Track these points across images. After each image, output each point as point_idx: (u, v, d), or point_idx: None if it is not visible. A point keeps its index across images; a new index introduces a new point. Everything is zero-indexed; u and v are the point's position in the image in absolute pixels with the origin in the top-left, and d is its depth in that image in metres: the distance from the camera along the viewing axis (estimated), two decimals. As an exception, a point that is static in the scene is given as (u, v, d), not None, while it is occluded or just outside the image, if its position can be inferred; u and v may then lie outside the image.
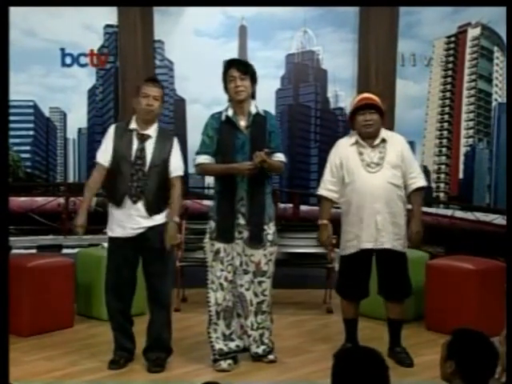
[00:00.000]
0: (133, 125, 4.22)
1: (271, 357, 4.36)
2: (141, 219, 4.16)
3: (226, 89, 4.25)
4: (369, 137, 4.30)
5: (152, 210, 4.15)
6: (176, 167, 4.21)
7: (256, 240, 4.20)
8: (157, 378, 4.16)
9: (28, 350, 4.59)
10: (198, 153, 4.28)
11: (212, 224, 4.25)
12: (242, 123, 4.23)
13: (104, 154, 4.22)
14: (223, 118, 4.25)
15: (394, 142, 4.33)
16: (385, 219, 4.24)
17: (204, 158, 4.23)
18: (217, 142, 4.22)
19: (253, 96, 4.31)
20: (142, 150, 4.16)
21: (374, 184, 4.23)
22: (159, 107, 4.22)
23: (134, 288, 4.36)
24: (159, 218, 4.18)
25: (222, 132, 4.22)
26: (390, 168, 4.25)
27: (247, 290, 4.26)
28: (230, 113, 4.24)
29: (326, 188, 4.41)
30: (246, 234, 4.21)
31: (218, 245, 4.22)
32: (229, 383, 3.96)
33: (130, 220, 4.17)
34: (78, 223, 4.24)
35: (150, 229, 4.16)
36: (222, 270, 4.23)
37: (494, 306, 4.69)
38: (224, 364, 4.24)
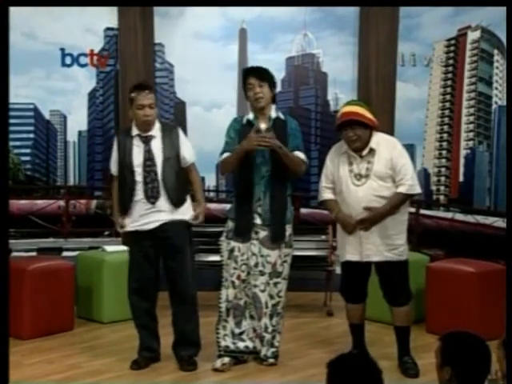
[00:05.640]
0: (134, 131, 4.31)
1: (271, 360, 4.37)
2: (161, 214, 4.24)
3: (247, 97, 4.30)
4: (358, 149, 4.21)
5: (176, 203, 4.26)
6: (189, 156, 4.35)
7: (276, 237, 4.24)
8: (157, 380, 4.16)
9: (28, 353, 4.59)
10: (220, 153, 4.33)
11: (230, 224, 4.31)
12: (263, 126, 4.25)
13: (114, 165, 4.39)
14: (244, 121, 4.30)
15: (383, 150, 4.17)
16: (370, 233, 4.16)
17: (225, 155, 4.30)
18: (238, 143, 4.26)
19: (273, 100, 4.34)
20: (149, 151, 4.25)
21: (359, 197, 4.15)
22: (155, 113, 4.31)
23: (157, 286, 4.38)
24: (179, 213, 4.27)
25: (242, 134, 4.25)
26: (378, 180, 4.14)
27: (262, 291, 4.29)
28: (251, 116, 4.30)
29: (324, 192, 4.37)
30: (262, 234, 4.25)
31: (234, 244, 4.28)
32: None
33: (149, 216, 4.24)
34: (118, 225, 4.37)
35: (170, 223, 4.24)
36: (235, 269, 4.28)
37: (494, 309, 4.69)
38: (218, 363, 4.27)
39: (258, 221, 4.25)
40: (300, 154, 4.27)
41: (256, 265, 4.27)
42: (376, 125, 4.25)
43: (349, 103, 4.39)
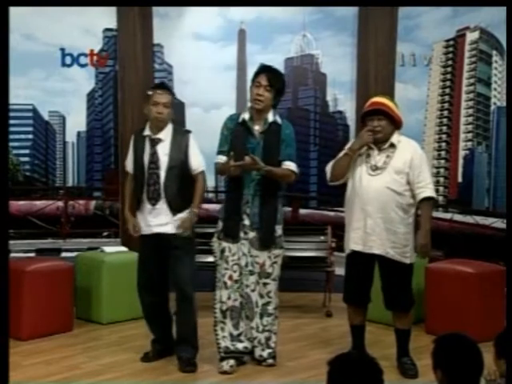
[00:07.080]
0: (146, 131, 4.37)
1: (270, 360, 4.36)
2: (161, 216, 4.28)
3: (251, 91, 4.26)
4: (378, 141, 4.24)
5: (175, 210, 4.28)
6: (196, 164, 4.34)
7: (266, 242, 4.23)
8: (158, 381, 4.16)
9: (27, 354, 4.59)
10: (217, 152, 4.34)
11: (220, 224, 4.31)
12: (257, 128, 4.25)
13: (129, 163, 4.47)
14: (240, 120, 4.28)
15: (405, 149, 4.21)
16: (376, 223, 4.16)
17: (219, 158, 4.30)
18: (229, 142, 4.25)
19: (274, 106, 4.31)
20: (153, 154, 4.30)
21: (370, 187, 4.17)
22: (169, 114, 4.32)
23: (166, 282, 4.41)
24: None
25: (235, 133, 4.25)
26: (393, 173, 4.15)
27: (253, 291, 4.29)
28: (247, 116, 4.27)
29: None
30: (251, 234, 4.24)
31: (224, 244, 4.27)
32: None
33: (150, 218, 4.30)
34: (130, 228, 4.40)
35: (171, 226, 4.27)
36: (227, 269, 4.27)
37: (493, 310, 4.69)
38: (226, 366, 4.26)
39: (246, 222, 4.24)
40: (290, 165, 4.25)
41: (246, 264, 4.27)
42: (401, 124, 4.29)
43: (380, 96, 4.41)
